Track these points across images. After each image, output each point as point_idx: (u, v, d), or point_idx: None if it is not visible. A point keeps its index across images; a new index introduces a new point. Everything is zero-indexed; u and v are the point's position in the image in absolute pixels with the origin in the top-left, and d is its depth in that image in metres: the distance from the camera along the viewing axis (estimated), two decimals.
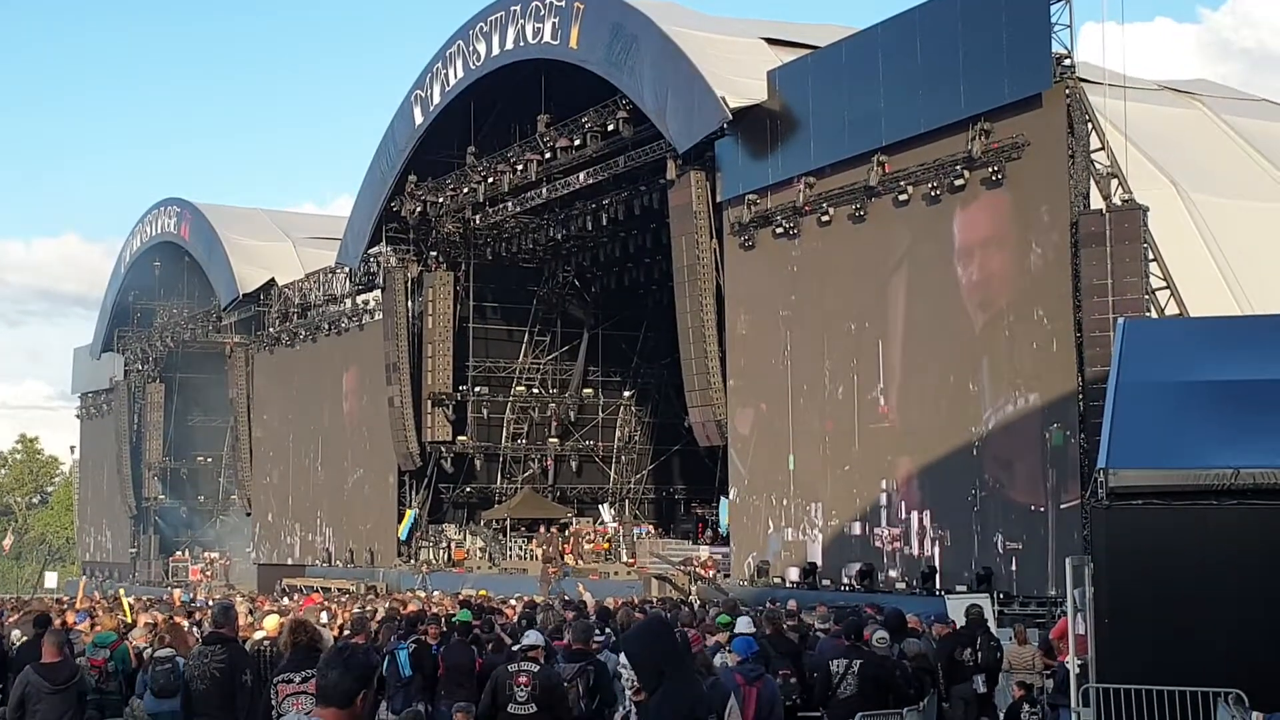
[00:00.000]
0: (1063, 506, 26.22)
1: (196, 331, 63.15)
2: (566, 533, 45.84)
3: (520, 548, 46.77)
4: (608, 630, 15.88)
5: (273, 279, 56.82)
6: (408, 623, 15.87)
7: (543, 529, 46.12)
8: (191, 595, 35.57)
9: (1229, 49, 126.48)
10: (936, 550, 29.16)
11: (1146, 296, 25.65)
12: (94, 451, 75.66)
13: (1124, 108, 26.17)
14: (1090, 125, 26.78)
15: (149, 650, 14.26)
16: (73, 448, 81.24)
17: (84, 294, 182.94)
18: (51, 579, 73.76)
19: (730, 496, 35.88)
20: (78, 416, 78.64)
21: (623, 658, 11.90)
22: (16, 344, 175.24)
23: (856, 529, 31.19)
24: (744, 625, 13.47)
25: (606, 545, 44.14)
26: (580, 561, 42.75)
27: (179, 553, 64.12)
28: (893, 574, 30.11)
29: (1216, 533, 9.93)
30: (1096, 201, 26.46)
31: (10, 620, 17.93)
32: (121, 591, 35.30)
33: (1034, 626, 20.78)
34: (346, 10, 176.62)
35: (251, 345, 58.96)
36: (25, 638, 15.17)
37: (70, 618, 18.82)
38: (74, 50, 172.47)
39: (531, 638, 12.22)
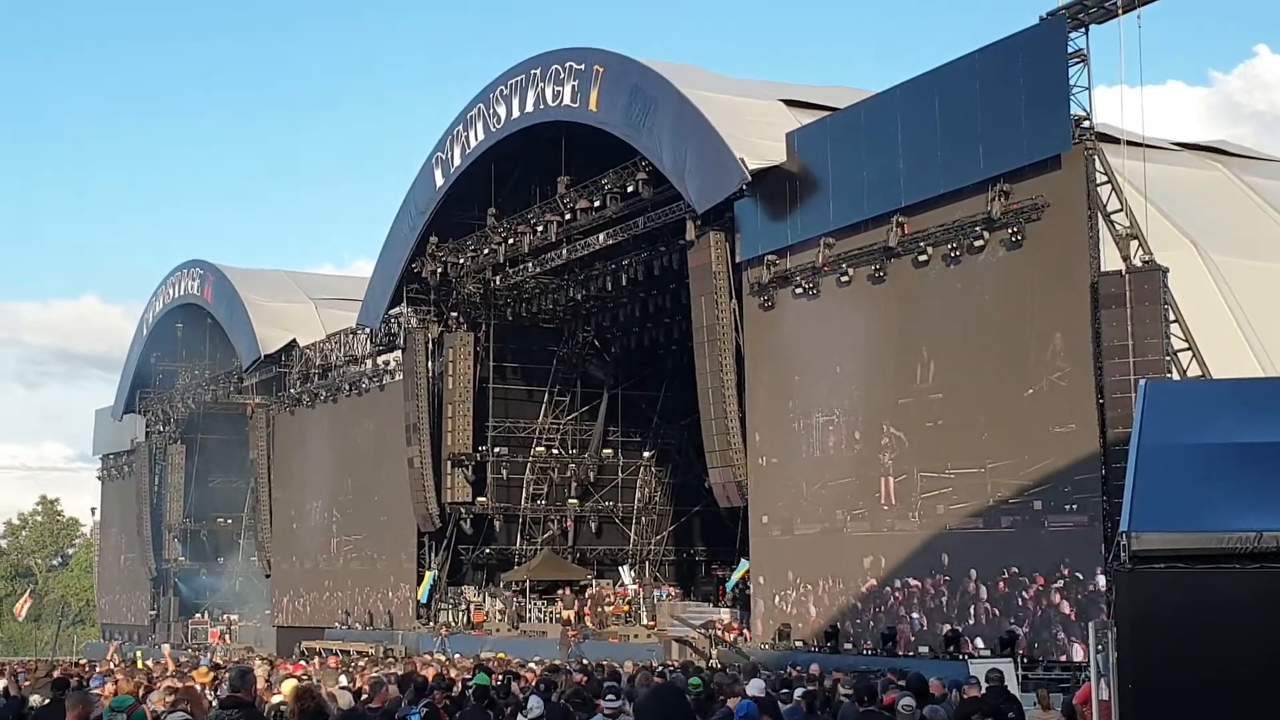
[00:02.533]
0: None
1: (218, 393, 63.34)
2: (585, 595, 45.63)
3: (540, 610, 46.57)
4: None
5: (294, 340, 57.06)
6: (417, 687, 15.73)
7: (567, 591, 45.92)
8: (209, 657, 35.49)
9: (1240, 112, 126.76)
10: (946, 604, 29.15)
11: (1168, 358, 25.55)
12: (114, 513, 75.81)
13: (1143, 169, 26.21)
14: (1110, 186, 26.79)
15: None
16: (93, 509, 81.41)
17: (102, 355, 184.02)
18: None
19: (749, 558, 35.72)
20: (99, 478, 78.82)
21: None
22: (35, 405, 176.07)
23: (878, 592, 30.97)
24: (755, 689, 13.35)
25: (626, 608, 43.92)
26: (600, 624, 42.50)
27: (198, 615, 64.04)
28: (906, 627, 30.07)
29: (1239, 597, 9.81)
30: (1116, 263, 26.41)
31: (27, 684, 17.85)
32: (168, 649, 35.34)
33: (1058, 692, 20.55)
34: (361, 76, 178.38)
35: (272, 406, 59.09)
36: (45, 701, 15.09)
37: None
38: (92, 115, 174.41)
39: (534, 705, 12.09)
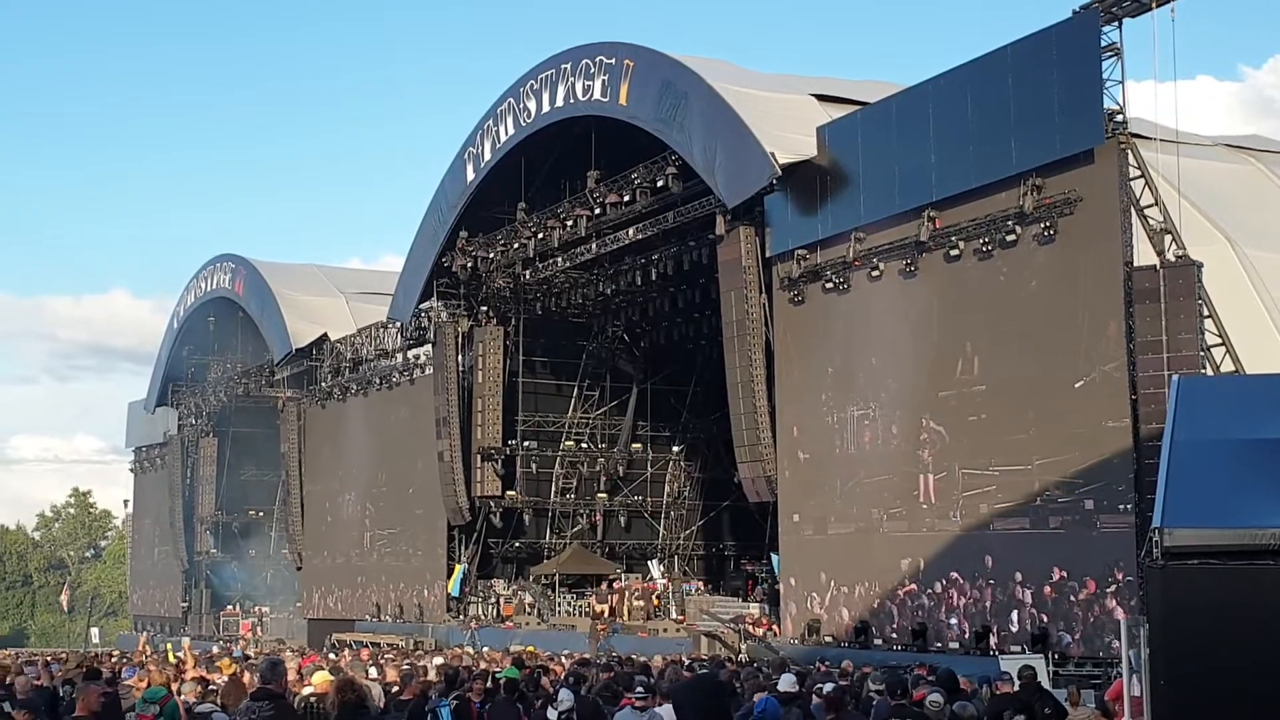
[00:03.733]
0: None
1: (249, 386, 63.64)
2: (614, 588, 45.65)
3: (569, 604, 46.63)
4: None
5: (325, 334, 57.28)
6: (449, 679, 15.78)
7: (604, 586, 45.99)
8: (240, 650, 35.70)
9: (1271, 107, 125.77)
10: (990, 609, 28.60)
11: (1201, 353, 25.40)
12: (147, 505, 76.28)
13: (1177, 163, 26.04)
14: (1143, 180, 26.64)
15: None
16: (125, 501, 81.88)
17: (133, 349, 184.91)
18: (95, 634, 74.26)
19: (779, 553, 35.64)
20: (131, 470, 79.26)
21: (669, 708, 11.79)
22: (67, 399, 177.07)
23: (908, 587, 30.79)
24: (786, 684, 13.32)
25: (656, 602, 43.93)
26: (628, 618, 42.53)
27: (230, 607, 64.39)
28: (946, 633, 29.64)
29: (1273, 593, 9.75)
30: (1150, 257, 26.25)
31: (60, 674, 18.00)
32: (187, 643, 35.51)
33: (1089, 688, 20.46)
34: (389, 71, 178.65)
35: (304, 400, 59.33)
36: (75, 692, 15.20)
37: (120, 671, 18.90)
38: (122, 110, 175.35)
39: (564, 698, 12.11)
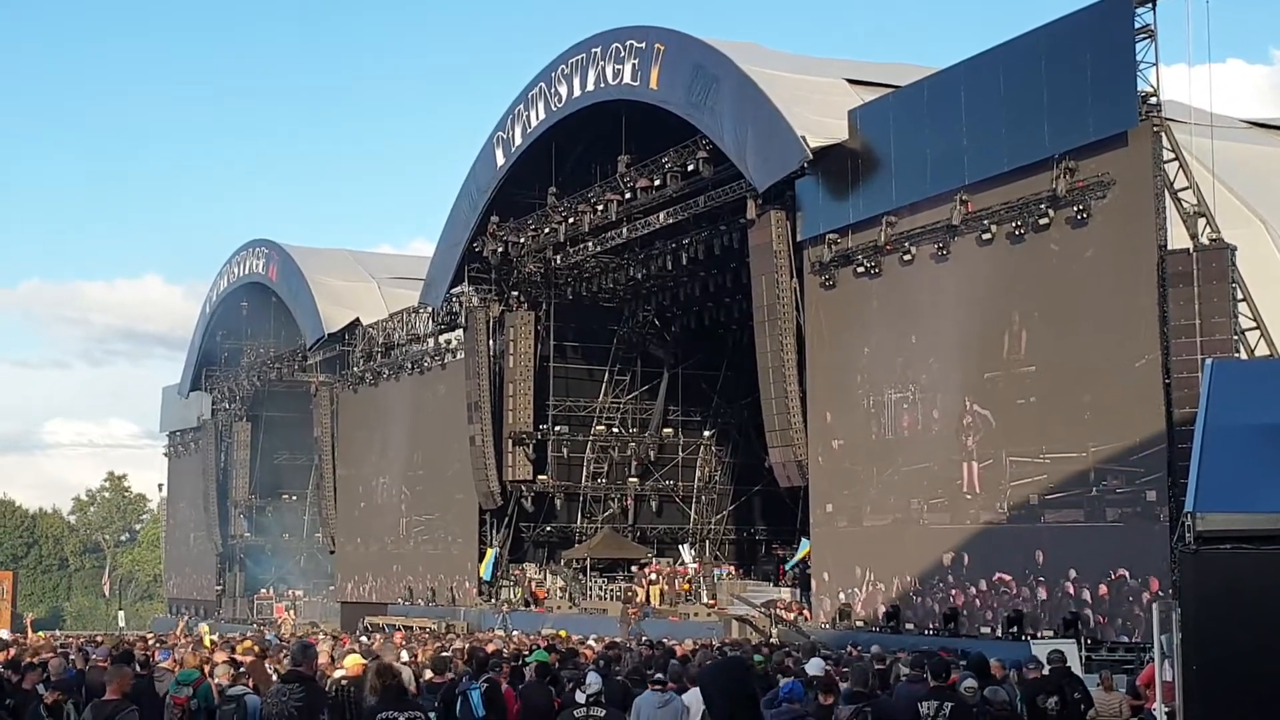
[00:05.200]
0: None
1: (282, 371, 63.94)
2: (646, 571, 45.75)
3: (600, 588, 46.73)
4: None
5: (357, 319, 57.49)
6: (479, 662, 15.83)
7: (638, 569, 46.06)
8: (275, 633, 35.88)
9: None
10: (1022, 595, 28.24)
11: (1235, 337, 25.19)
12: (181, 489, 76.77)
13: (1211, 145, 25.80)
14: (1177, 163, 26.44)
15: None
16: (160, 485, 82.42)
17: (165, 334, 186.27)
18: (121, 618, 74.88)
19: (810, 538, 35.57)
20: (165, 454, 79.76)
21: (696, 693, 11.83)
22: (101, 383, 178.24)
23: (940, 572, 30.61)
24: (814, 668, 13.33)
25: (687, 586, 43.96)
26: (661, 602, 42.60)
27: (264, 590, 64.77)
28: (977, 619, 29.33)
29: None
30: (1184, 240, 26.06)
31: (95, 658, 18.12)
32: (205, 627, 35.70)
33: (1121, 673, 20.38)
34: (417, 59, 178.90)
35: (336, 384, 59.56)
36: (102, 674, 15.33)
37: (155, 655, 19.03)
38: (153, 97, 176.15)
39: (592, 681, 12.14)
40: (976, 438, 29.50)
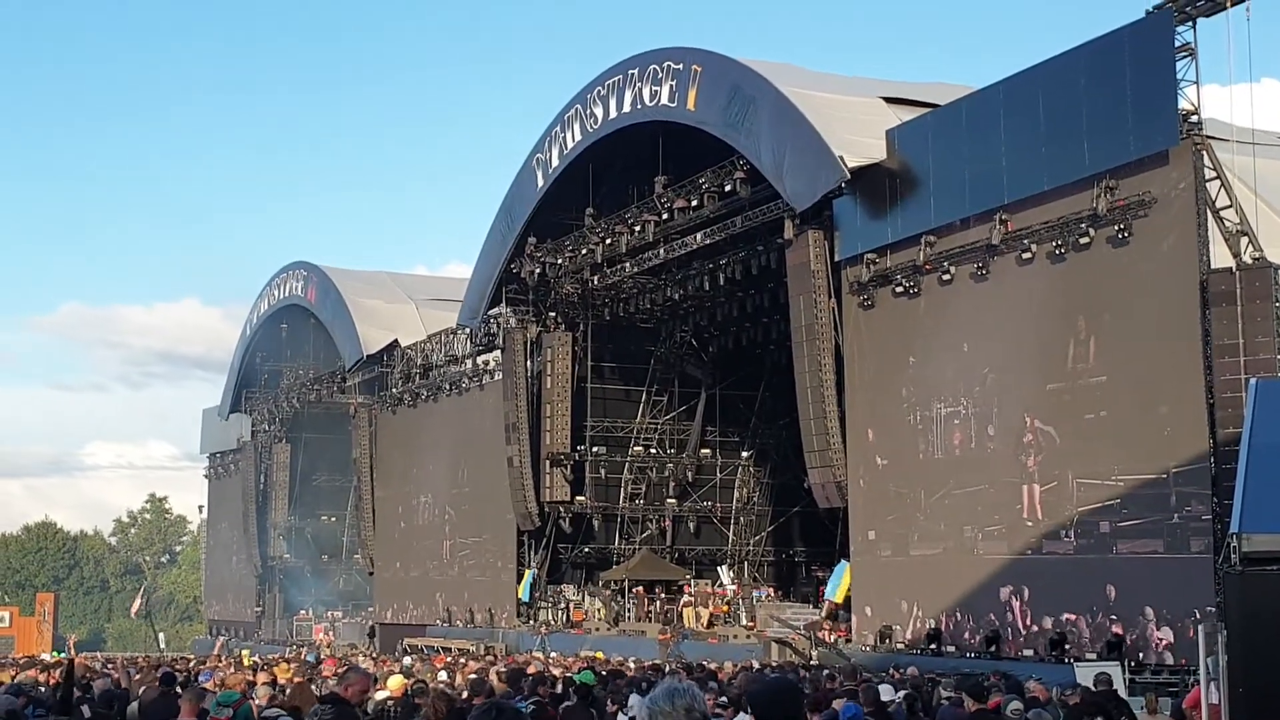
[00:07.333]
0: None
1: (321, 392, 64.23)
2: (686, 594, 45.64)
3: (639, 609, 46.62)
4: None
5: (396, 340, 57.69)
6: (511, 682, 15.80)
7: (686, 589, 45.94)
8: (315, 655, 35.95)
9: None
10: (1067, 617, 27.72)
11: (1279, 356, 24.96)
12: (221, 511, 77.12)
13: (1253, 164, 25.62)
14: (1219, 182, 26.25)
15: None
16: (200, 507, 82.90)
17: (203, 356, 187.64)
18: (162, 639, 75.28)
19: (850, 560, 35.28)
20: (205, 476, 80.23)
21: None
22: (140, 406, 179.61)
23: (983, 594, 30.19)
24: (887, 693, 13.24)
25: (725, 608, 43.78)
26: (698, 624, 42.46)
27: (303, 611, 64.94)
28: (1020, 640, 28.86)
29: None
30: (1226, 259, 25.84)
31: (136, 679, 18.21)
32: (245, 653, 35.81)
33: (1166, 696, 20.17)
34: (449, 83, 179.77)
35: (375, 406, 59.76)
36: (153, 696, 15.37)
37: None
38: (190, 121, 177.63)
39: (635, 703, 12.10)
40: (1038, 456, 28.21)
